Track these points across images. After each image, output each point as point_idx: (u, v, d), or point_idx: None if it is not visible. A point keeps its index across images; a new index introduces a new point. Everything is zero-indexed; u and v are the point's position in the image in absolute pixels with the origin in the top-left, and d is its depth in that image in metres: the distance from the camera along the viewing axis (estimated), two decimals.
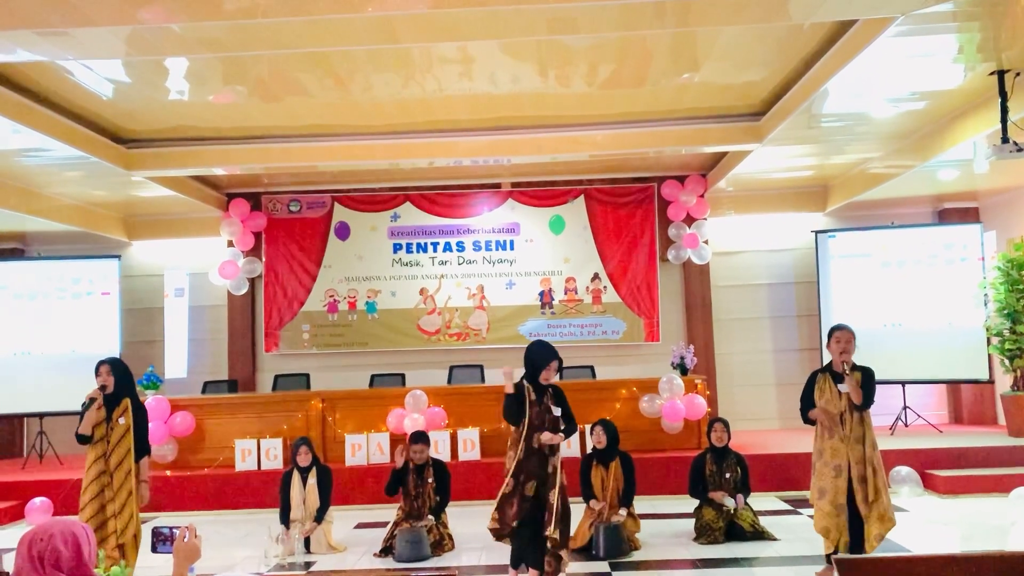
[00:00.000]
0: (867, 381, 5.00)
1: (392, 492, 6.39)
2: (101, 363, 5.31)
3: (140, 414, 5.40)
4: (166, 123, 7.80)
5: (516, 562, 5.03)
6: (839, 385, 5.03)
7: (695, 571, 5.53)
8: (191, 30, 5.07)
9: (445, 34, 5.38)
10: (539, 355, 5.00)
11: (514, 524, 4.87)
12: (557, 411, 5.00)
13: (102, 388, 5.22)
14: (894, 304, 9.55)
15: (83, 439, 5.19)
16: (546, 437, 4.90)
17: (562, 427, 5.03)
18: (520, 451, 4.91)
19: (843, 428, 4.98)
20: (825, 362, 5.41)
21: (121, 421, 5.23)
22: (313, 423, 8.62)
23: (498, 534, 5.00)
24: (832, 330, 5.15)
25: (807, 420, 5.21)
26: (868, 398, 4.99)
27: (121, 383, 5.31)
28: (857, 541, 4.95)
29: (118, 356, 5.59)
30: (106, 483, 5.16)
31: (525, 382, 5.02)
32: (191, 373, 10.30)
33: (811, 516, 6.86)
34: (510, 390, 4.96)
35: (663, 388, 8.45)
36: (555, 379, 5.11)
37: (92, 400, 5.17)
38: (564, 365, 9.28)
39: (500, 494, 4.93)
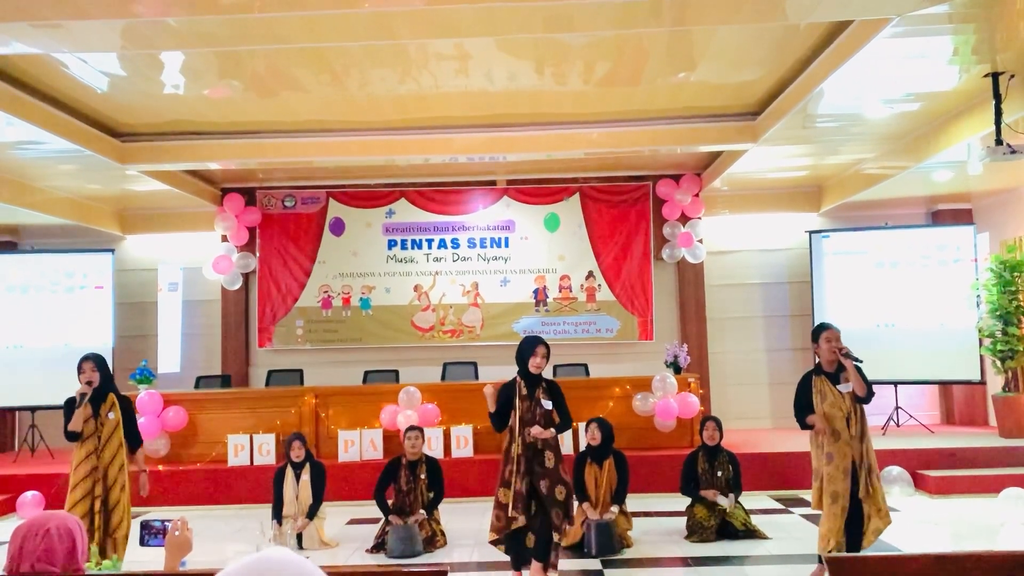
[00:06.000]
0: (861, 372, 4.98)
1: (381, 492, 6.28)
2: (84, 359, 5.23)
3: (128, 407, 5.39)
4: (161, 117, 7.77)
5: (518, 564, 5.03)
6: (839, 386, 4.99)
7: (686, 569, 5.55)
8: (186, 24, 5.06)
9: (442, 30, 5.37)
10: (525, 344, 5.07)
11: (512, 520, 4.87)
12: (548, 404, 5.01)
13: (88, 384, 5.19)
14: (887, 304, 9.58)
15: (74, 436, 5.16)
16: (535, 431, 4.90)
17: (556, 421, 5.04)
18: (512, 446, 4.92)
19: (849, 429, 4.95)
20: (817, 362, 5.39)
21: (111, 416, 5.21)
22: (306, 419, 8.61)
23: (497, 541, 5.00)
24: (819, 329, 5.10)
25: (804, 425, 5.13)
26: (870, 387, 4.97)
27: (105, 378, 5.28)
28: (853, 539, 4.96)
29: (97, 352, 5.51)
30: (98, 479, 5.14)
31: (518, 377, 5.04)
32: (184, 368, 10.27)
33: (803, 516, 6.96)
34: (492, 409, 5.02)
35: (656, 386, 8.47)
36: (546, 368, 5.13)
37: (83, 396, 5.13)
38: (558, 363, 9.30)
39: (497, 490, 4.95)
